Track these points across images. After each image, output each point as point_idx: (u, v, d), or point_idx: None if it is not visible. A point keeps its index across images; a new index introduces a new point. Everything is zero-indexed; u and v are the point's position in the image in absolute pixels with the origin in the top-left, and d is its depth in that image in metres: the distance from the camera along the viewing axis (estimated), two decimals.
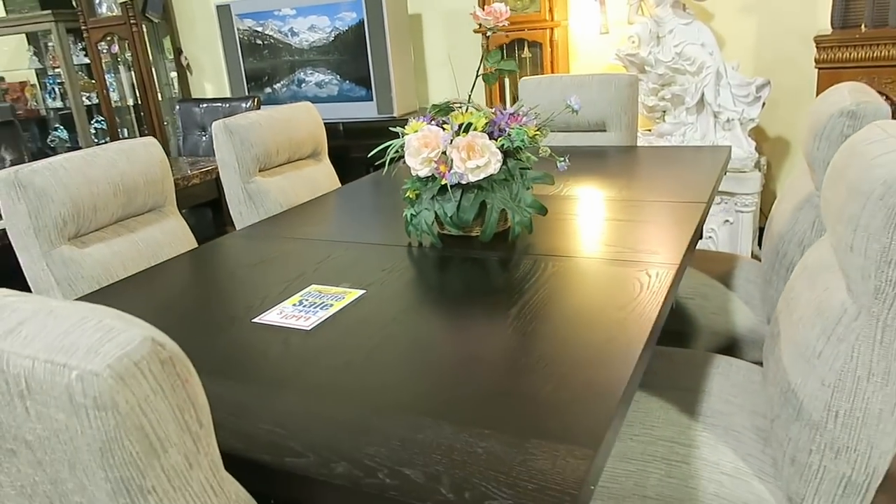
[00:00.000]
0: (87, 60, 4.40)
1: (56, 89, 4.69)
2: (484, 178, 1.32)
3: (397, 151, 1.40)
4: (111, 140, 4.49)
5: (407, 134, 1.35)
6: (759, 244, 2.98)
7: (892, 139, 0.87)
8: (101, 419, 0.51)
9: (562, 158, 1.42)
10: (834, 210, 0.96)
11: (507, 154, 1.36)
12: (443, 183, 1.32)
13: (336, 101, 3.38)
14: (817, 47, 2.35)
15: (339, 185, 2.28)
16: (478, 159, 1.27)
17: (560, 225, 1.45)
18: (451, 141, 1.29)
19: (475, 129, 1.32)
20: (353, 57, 3.28)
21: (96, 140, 4.57)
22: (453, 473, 0.68)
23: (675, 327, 1.58)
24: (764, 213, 2.96)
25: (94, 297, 1.30)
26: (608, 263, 1.20)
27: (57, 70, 4.54)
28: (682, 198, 1.54)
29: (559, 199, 1.64)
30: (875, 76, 2.29)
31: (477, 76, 1.40)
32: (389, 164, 1.42)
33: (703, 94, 2.59)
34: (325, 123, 2.32)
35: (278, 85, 3.49)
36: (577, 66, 3.18)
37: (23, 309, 0.59)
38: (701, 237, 1.50)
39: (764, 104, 2.60)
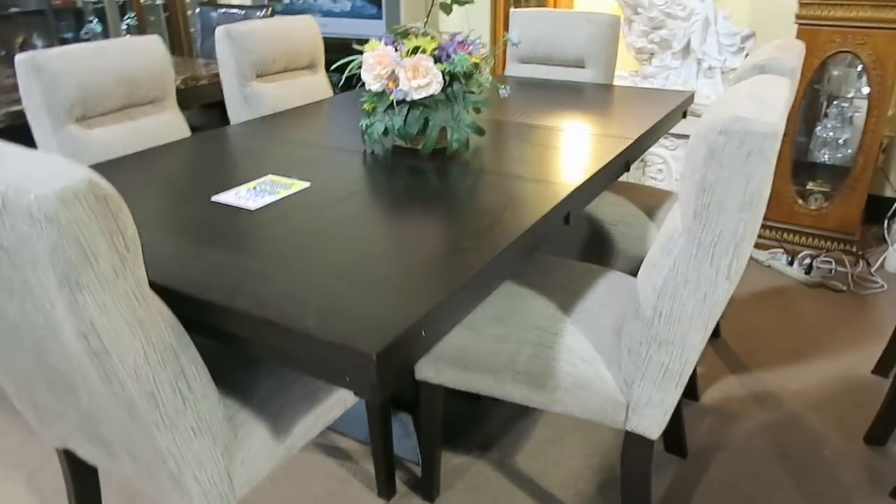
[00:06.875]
0: None
1: None
2: (427, 98, 1.50)
3: (359, 67, 1.58)
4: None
5: (365, 52, 1.53)
6: None
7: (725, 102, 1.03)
8: (49, 229, 0.74)
9: (502, 86, 1.59)
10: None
11: (454, 78, 1.54)
12: (391, 99, 1.51)
13: (348, 16, 3.51)
14: (800, 3, 2.42)
15: (332, 95, 2.46)
16: (420, 79, 1.46)
17: (499, 147, 1.63)
18: (401, 61, 1.47)
19: (424, 53, 1.50)
20: None
21: (128, 35, 4.75)
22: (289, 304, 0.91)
23: (597, 248, 1.78)
24: None
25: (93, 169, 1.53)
26: (516, 179, 1.39)
27: None
28: (616, 132, 1.71)
29: (511, 125, 1.81)
30: (850, 35, 2.37)
31: (432, 5, 1.57)
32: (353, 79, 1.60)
33: (689, 41, 2.69)
34: (334, 39, 2.47)
35: None
36: (583, 3, 3.26)
37: (7, 153, 0.82)
38: (627, 170, 1.68)
39: (747, 55, 2.69)
